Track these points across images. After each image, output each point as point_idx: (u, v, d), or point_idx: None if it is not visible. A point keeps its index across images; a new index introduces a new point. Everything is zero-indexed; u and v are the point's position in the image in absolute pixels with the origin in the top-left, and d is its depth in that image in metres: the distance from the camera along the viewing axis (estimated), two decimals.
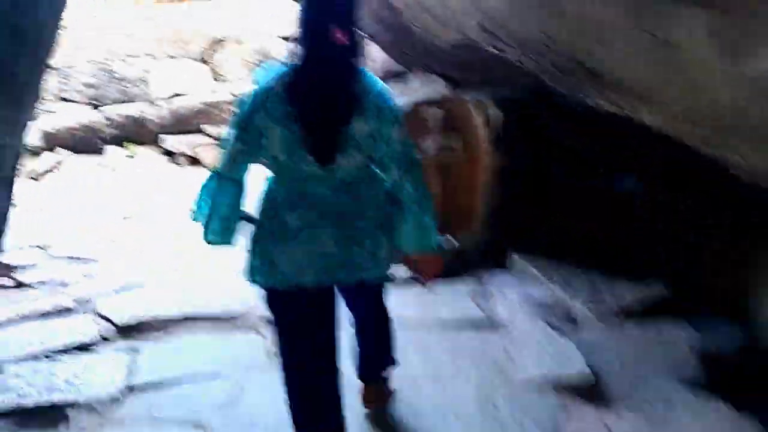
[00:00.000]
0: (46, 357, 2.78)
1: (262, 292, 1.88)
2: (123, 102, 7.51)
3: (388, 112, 1.79)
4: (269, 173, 1.88)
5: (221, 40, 7.79)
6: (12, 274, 3.75)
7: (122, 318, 3.12)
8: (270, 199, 1.85)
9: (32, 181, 6.84)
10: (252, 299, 3.27)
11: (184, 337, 2.99)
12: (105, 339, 2.98)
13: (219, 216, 1.83)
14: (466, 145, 3.79)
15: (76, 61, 7.53)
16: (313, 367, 1.88)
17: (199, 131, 7.21)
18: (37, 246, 4.24)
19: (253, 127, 1.75)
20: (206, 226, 1.84)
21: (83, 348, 2.88)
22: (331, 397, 1.90)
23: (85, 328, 3.03)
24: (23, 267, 3.86)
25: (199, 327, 3.09)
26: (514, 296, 3.20)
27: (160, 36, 7.71)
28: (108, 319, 3.12)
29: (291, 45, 1.81)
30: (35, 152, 7.21)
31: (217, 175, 1.85)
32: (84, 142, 7.26)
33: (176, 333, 3.04)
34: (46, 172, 7.00)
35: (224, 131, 1.89)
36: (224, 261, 3.78)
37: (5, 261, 3.87)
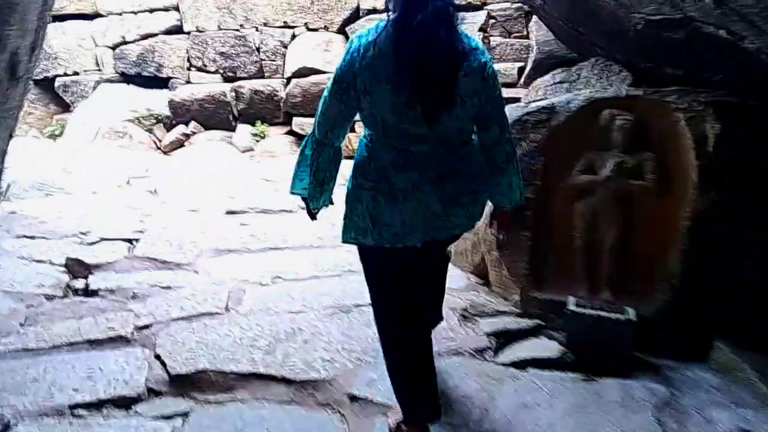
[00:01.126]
0: (72, 414, 2.15)
1: (356, 250, 1.96)
2: (256, 75, 7.04)
3: (489, 69, 1.77)
4: (367, 133, 1.86)
5: (362, 10, 7.01)
6: (86, 274, 3.26)
7: (179, 363, 2.44)
8: (374, 160, 1.82)
9: (159, 155, 6.60)
10: (340, 363, 2.47)
11: (247, 406, 2.23)
12: (151, 392, 2.31)
13: (319, 182, 1.87)
14: (662, 169, 2.67)
15: (211, 27, 7.15)
16: (404, 312, 1.94)
17: None
18: (126, 239, 3.75)
19: (355, 87, 1.73)
20: (308, 193, 1.90)
21: (122, 404, 2.22)
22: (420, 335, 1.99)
23: (133, 373, 2.38)
24: (99, 266, 3.35)
25: (269, 391, 2.32)
26: (723, 423, 2.07)
27: (298, 3, 7.05)
28: (163, 363, 2.46)
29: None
30: (166, 123, 6.98)
31: (315, 142, 1.85)
32: (215, 116, 6.90)
33: (239, 396, 2.30)
34: (174, 146, 6.73)
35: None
36: (322, 294, 3.04)
37: (83, 258, 3.40)
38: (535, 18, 5.60)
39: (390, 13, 1.71)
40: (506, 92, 5.99)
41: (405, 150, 1.77)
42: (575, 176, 2.76)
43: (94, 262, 3.35)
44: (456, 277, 3.11)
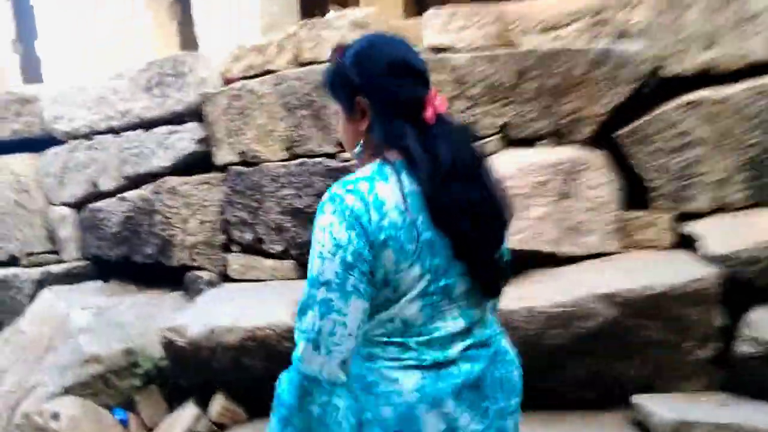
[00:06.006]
0: None
1: None
2: None
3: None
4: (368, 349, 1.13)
5: None
6: None
7: None
8: (393, 396, 1.08)
9: None
10: None
11: None
12: None
13: None
14: None
15: (271, 154, 3.15)
16: None
17: None
18: None
19: (374, 270, 1.03)
20: None
21: None
22: None
23: None
24: None
25: None
26: None
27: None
28: None
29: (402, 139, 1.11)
30: (166, 386, 2.92)
31: (324, 384, 1.00)
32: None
33: None
34: None
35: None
36: None
37: None
38: None
39: (394, 154, 1.07)
40: None
41: (439, 366, 1.10)
42: None
43: None
44: None
